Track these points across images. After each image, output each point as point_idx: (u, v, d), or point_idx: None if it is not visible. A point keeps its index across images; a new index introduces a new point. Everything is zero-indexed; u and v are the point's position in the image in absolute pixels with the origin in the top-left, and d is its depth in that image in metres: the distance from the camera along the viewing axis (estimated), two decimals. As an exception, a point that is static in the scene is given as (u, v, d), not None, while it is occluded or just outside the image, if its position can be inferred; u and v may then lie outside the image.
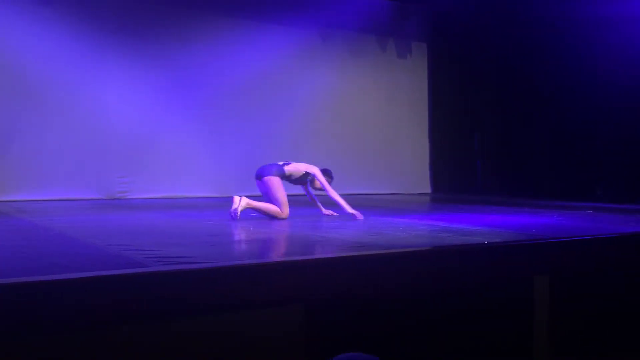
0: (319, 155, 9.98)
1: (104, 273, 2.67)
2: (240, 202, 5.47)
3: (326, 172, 5.84)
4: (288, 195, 5.68)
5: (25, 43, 7.97)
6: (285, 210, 5.56)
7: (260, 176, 5.64)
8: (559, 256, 3.86)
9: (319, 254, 3.52)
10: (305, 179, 5.81)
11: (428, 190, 11.05)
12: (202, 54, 9.14)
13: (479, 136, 10.60)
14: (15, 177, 7.95)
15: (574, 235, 4.22)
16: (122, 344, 2.53)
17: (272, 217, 5.56)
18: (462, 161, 10.70)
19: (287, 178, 5.73)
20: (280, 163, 5.75)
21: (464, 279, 3.47)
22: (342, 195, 5.75)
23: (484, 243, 3.77)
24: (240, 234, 4.60)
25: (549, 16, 9.00)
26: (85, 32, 8.31)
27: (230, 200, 5.63)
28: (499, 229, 4.71)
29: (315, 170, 5.74)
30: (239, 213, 5.42)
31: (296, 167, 5.72)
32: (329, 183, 5.76)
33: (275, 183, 5.55)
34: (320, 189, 5.81)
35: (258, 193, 5.87)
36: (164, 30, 8.84)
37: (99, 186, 8.48)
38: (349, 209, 5.59)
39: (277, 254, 3.74)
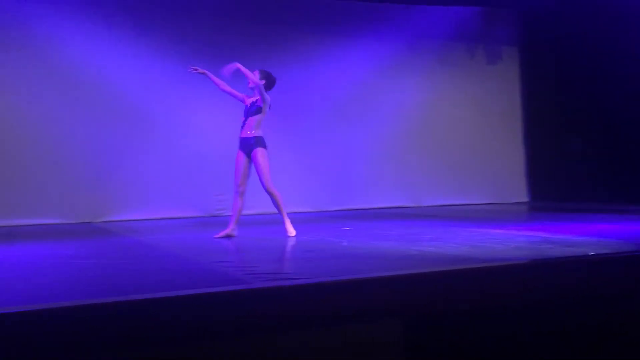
0: (410, 167, 9.93)
1: (212, 290, 2.80)
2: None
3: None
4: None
5: (127, 69, 8.49)
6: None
7: None
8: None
9: (416, 269, 3.50)
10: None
11: (525, 198, 10.67)
12: (291, 70, 9.34)
13: (579, 140, 10.12)
14: (122, 198, 8.46)
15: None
16: (227, 359, 2.63)
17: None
18: (561, 167, 10.24)
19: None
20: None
21: (568, 294, 3.33)
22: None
23: (590, 255, 3.60)
24: (335, 249, 4.66)
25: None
26: (182, 56, 8.74)
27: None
28: (605, 238, 4.48)
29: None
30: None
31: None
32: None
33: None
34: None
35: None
36: (255, 48, 9.10)
37: (198, 204, 8.85)
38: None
39: (374, 269, 3.76)
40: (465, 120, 10.36)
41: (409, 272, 3.35)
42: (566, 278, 3.38)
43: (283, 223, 5.63)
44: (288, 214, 5.68)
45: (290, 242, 5.17)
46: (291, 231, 5.58)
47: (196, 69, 5.70)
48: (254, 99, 5.60)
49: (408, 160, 9.89)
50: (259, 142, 5.52)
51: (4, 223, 7.65)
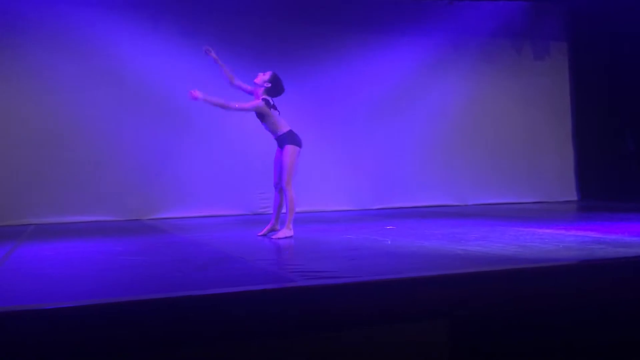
0: (456, 165, 9.81)
1: (255, 288, 2.83)
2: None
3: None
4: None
5: (173, 70, 8.65)
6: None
7: None
8: None
9: (463, 269, 3.45)
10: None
11: (574, 197, 10.40)
12: (333, 70, 9.36)
13: (632, 136, 9.79)
14: (169, 196, 8.64)
15: None
16: (270, 358, 2.66)
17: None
18: (613, 165, 9.94)
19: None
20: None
21: (620, 296, 3.22)
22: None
23: (644, 256, 3.48)
24: (379, 248, 4.63)
25: None
26: (228, 57, 8.80)
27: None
28: (660, 239, 4.33)
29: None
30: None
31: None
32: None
33: None
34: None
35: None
36: (295, 48, 9.17)
37: (243, 202, 8.96)
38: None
39: (418, 269, 3.72)
40: (512, 117, 10.17)
41: (454, 272, 3.30)
42: (619, 280, 3.27)
43: (284, 223, 5.43)
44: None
45: (335, 241, 5.17)
46: (282, 233, 5.34)
47: (209, 51, 5.60)
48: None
49: (453, 159, 9.78)
50: (290, 138, 5.42)
51: (56, 220, 7.93)
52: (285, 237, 5.29)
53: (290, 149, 5.37)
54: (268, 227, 5.66)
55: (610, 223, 5.74)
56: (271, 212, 5.85)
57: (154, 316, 2.53)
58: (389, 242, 4.87)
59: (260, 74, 5.54)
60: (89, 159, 8.25)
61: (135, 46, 8.47)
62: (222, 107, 5.36)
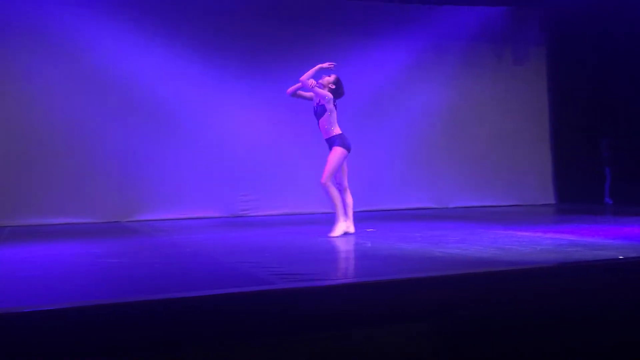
0: (437, 168, 9.87)
1: (234, 290, 2.82)
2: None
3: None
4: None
5: (155, 71, 8.60)
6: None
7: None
8: None
9: (440, 271, 3.48)
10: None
11: (552, 200, 10.53)
12: (319, 71, 9.37)
13: (608, 142, 9.94)
14: (149, 198, 8.58)
15: None
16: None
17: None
18: (590, 169, 10.08)
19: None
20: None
21: (596, 298, 3.27)
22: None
23: (619, 258, 3.54)
24: (359, 250, 4.65)
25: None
26: (210, 59, 8.83)
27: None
28: (635, 242, 4.40)
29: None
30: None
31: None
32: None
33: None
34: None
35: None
36: (282, 49, 9.18)
37: (223, 204, 8.93)
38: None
39: (397, 271, 3.74)
40: (492, 121, 10.26)
41: (433, 274, 3.33)
42: (594, 282, 3.32)
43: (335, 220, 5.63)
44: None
45: (316, 243, 5.18)
46: (337, 231, 5.56)
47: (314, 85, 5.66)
48: (317, 100, 5.72)
49: (434, 162, 9.84)
50: (341, 141, 5.63)
51: (33, 222, 7.83)
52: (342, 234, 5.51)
53: (339, 150, 5.60)
54: (342, 227, 5.64)
55: (587, 226, 5.82)
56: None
57: (130, 319, 2.51)
58: (369, 244, 4.89)
59: (325, 76, 5.72)
60: (66, 161, 8.17)
61: (119, 48, 8.42)
62: (301, 80, 5.59)
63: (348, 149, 5.67)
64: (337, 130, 5.66)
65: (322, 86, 5.68)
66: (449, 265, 3.73)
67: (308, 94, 5.81)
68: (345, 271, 3.64)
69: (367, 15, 9.64)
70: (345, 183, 5.74)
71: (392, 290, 2.96)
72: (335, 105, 5.68)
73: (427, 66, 9.91)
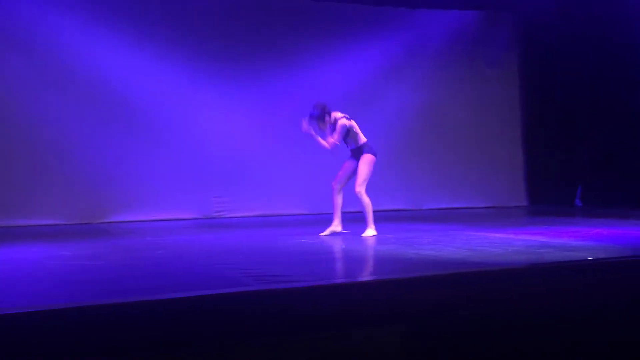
0: (411, 170, 9.93)
1: (207, 292, 2.79)
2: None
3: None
4: None
5: (127, 70, 8.49)
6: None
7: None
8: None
9: (414, 273, 3.50)
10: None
11: (524, 202, 10.67)
12: (292, 73, 9.37)
13: (580, 145, 10.11)
14: (121, 200, 8.45)
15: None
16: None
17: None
18: (562, 172, 10.24)
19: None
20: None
21: (566, 298, 3.33)
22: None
23: (588, 259, 3.60)
24: (333, 252, 4.66)
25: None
26: (183, 59, 8.75)
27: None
28: (604, 243, 4.48)
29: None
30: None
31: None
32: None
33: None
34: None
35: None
36: (255, 50, 9.15)
37: (196, 206, 8.85)
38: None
39: (372, 273, 3.76)
40: (465, 123, 10.35)
41: (406, 276, 3.34)
42: (564, 283, 3.37)
43: (366, 224, 5.80)
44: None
45: (290, 245, 5.17)
46: (369, 232, 5.73)
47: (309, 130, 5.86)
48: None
49: (408, 163, 9.88)
50: (369, 148, 5.84)
51: (4, 223, 7.65)
52: (373, 236, 5.64)
53: (369, 157, 5.79)
54: (331, 227, 5.85)
55: (557, 228, 5.92)
56: (332, 213, 5.98)
57: (102, 322, 2.47)
58: (344, 246, 4.89)
59: (321, 123, 5.87)
60: (35, 161, 8.01)
61: (87, 45, 8.27)
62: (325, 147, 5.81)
63: (375, 154, 5.85)
64: (363, 139, 5.86)
65: (331, 127, 5.82)
66: (423, 266, 3.76)
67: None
68: (321, 273, 3.64)
69: (340, 17, 9.65)
70: (340, 186, 5.93)
71: (367, 292, 2.96)
72: (346, 117, 5.82)
73: (401, 68, 9.96)
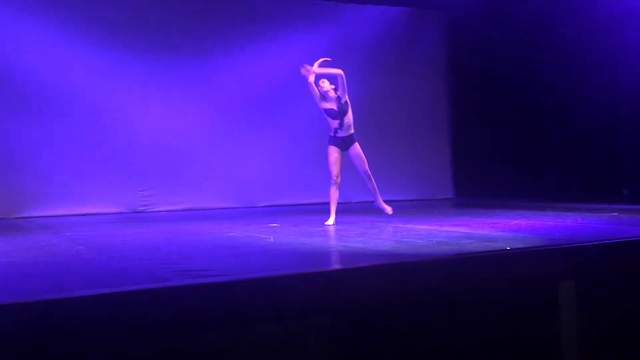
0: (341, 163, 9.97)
1: (129, 288, 2.69)
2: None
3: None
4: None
5: (44, 58, 8.11)
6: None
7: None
8: (585, 261, 3.79)
9: (342, 265, 3.51)
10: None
11: (451, 195, 10.97)
12: (222, 65, 9.22)
13: (501, 139, 10.47)
14: (37, 193, 8.07)
15: (600, 239, 4.14)
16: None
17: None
18: (484, 165, 10.59)
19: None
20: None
21: (487, 287, 3.43)
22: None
23: (507, 249, 3.72)
24: (261, 245, 4.61)
25: (569, 14, 8.93)
26: (105, 46, 8.44)
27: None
28: (522, 234, 4.65)
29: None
30: None
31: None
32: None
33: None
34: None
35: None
36: (184, 41, 8.95)
37: (120, 200, 8.57)
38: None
39: (299, 266, 3.73)
40: (393, 118, 10.52)
41: (334, 268, 3.35)
42: (486, 272, 3.47)
43: (378, 202, 6.33)
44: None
45: (217, 238, 5.08)
46: (387, 209, 6.26)
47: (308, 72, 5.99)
48: (333, 100, 5.94)
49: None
50: (355, 137, 6.15)
51: None
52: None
53: (358, 145, 6.16)
54: (333, 217, 5.96)
55: (480, 219, 6.11)
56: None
57: (15, 321, 2.34)
58: (272, 239, 4.86)
59: (321, 84, 6.07)
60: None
61: (5, 35, 7.85)
62: (334, 73, 5.97)
63: None
64: (352, 129, 6.12)
65: (324, 94, 5.99)
66: (351, 259, 3.77)
67: (317, 92, 6.03)
68: (247, 266, 3.59)
69: (272, 8, 9.58)
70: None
71: (295, 285, 2.94)
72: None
73: (331, 62, 9.99)
